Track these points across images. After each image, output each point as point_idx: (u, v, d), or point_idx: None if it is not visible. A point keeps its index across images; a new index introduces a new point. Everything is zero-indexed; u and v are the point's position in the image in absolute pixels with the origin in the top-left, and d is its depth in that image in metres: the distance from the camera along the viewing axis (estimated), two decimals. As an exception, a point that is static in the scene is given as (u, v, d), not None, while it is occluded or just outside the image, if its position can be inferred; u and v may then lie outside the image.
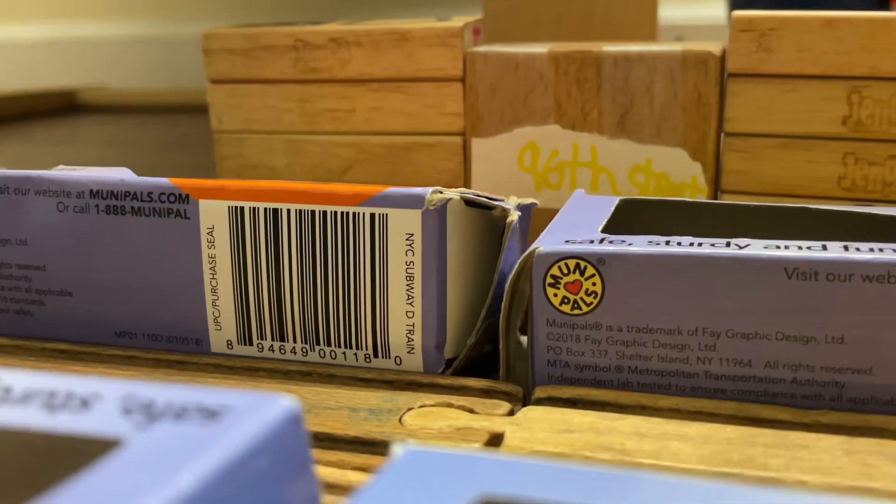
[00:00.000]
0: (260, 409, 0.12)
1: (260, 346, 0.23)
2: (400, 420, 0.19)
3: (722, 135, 0.27)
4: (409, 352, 0.22)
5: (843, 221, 0.22)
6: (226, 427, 0.12)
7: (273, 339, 0.23)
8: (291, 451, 0.12)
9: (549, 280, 0.20)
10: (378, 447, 0.18)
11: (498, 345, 0.21)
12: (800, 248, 0.19)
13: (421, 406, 0.20)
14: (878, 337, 0.18)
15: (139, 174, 0.24)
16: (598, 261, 0.19)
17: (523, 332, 0.23)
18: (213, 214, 0.22)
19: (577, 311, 0.20)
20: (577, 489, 0.11)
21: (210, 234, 0.22)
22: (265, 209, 0.22)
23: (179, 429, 0.12)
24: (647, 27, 0.41)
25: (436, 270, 0.21)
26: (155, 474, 0.11)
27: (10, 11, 1.24)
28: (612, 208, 0.23)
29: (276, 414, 0.12)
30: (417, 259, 0.21)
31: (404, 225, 0.21)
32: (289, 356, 0.23)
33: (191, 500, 0.10)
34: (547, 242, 0.20)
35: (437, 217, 0.21)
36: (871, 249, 0.18)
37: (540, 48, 0.29)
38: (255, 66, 0.31)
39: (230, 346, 0.23)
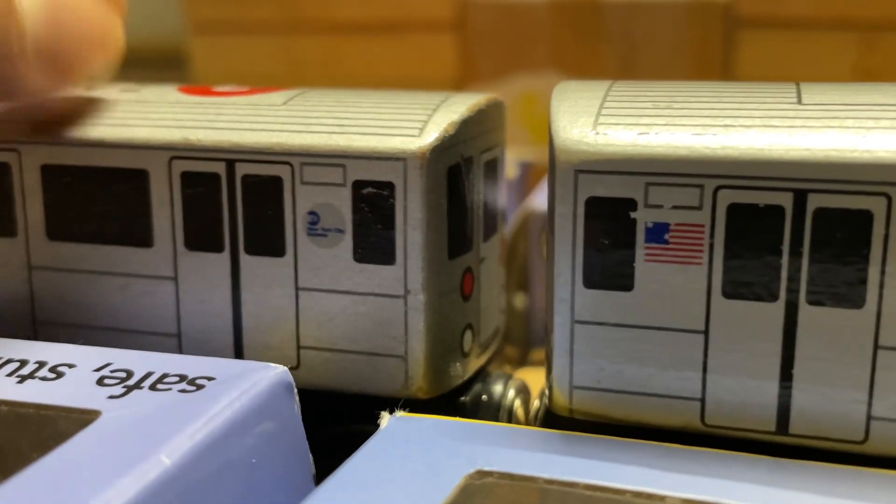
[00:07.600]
0: (248, 377, 0.11)
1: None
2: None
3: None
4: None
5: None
6: (213, 396, 0.11)
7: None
8: (282, 422, 0.11)
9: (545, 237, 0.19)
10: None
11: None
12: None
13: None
14: None
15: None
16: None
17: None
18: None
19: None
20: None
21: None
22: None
23: (161, 400, 0.11)
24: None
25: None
26: (133, 450, 0.10)
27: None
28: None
29: (266, 382, 0.11)
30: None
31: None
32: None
33: (175, 474, 0.10)
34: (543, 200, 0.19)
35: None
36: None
37: (537, -6, 0.28)
38: (238, 14, 0.31)
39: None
